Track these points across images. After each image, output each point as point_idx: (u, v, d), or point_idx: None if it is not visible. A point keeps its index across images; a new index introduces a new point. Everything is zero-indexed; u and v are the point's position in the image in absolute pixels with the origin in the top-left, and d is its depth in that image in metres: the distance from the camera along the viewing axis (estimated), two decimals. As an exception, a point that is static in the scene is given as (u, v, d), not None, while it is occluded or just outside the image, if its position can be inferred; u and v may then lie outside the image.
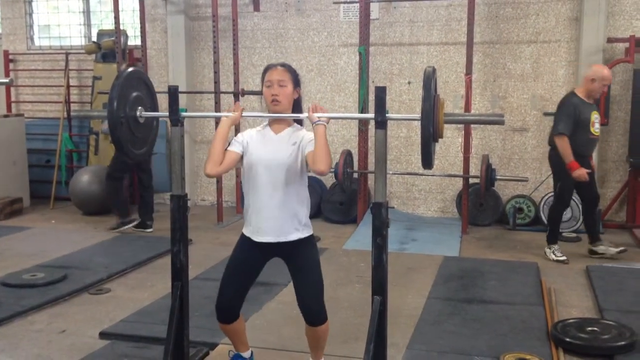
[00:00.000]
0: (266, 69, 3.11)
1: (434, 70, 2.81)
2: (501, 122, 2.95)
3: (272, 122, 3.12)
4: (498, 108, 7.23)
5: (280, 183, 3.01)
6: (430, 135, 2.75)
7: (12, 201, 7.62)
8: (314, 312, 3.11)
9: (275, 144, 3.06)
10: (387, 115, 2.91)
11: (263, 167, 3.02)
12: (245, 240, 3.16)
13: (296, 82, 3.12)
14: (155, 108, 3.44)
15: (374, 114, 2.91)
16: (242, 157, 3.09)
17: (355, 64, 7.35)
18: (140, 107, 3.27)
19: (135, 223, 6.78)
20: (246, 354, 3.37)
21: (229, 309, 3.18)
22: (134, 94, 3.25)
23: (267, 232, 3.06)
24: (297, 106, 3.16)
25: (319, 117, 2.94)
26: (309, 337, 3.23)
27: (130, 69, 3.31)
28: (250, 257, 3.15)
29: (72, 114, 3.72)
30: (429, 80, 2.75)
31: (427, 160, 2.82)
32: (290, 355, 3.64)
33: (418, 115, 2.79)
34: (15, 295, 4.58)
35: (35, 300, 4.49)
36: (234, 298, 3.17)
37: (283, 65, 3.13)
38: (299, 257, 3.11)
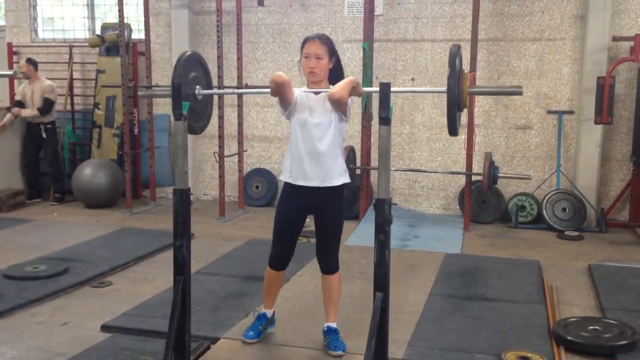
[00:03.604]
0: (305, 41, 3.44)
1: (458, 47, 3.03)
2: (519, 93, 3.22)
3: (312, 87, 3.46)
4: (502, 105, 7.21)
5: (324, 136, 3.40)
6: (455, 104, 2.98)
7: (14, 193, 7.63)
8: (330, 264, 3.62)
9: (316, 102, 3.43)
10: (412, 88, 3.11)
11: (310, 124, 3.41)
12: (289, 191, 3.54)
13: (332, 53, 3.45)
14: (210, 86, 3.70)
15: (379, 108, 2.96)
16: (289, 109, 3.44)
17: (359, 60, 7.33)
18: (198, 86, 3.49)
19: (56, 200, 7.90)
20: (269, 313, 3.78)
21: (283, 257, 3.62)
22: (193, 74, 3.49)
23: (313, 177, 3.44)
24: (332, 74, 3.48)
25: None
26: (324, 288, 3.67)
27: (189, 52, 3.54)
28: (295, 207, 3.52)
29: (140, 94, 3.86)
30: (454, 56, 2.98)
31: (453, 127, 3.07)
32: (292, 351, 3.64)
33: (444, 88, 3.00)
34: (17, 288, 4.59)
35: (37, 292, 4.50)
36: (287, 248, 3.60)
37: (320, 37, 3.43)
38: (329, 215, 3.53)
